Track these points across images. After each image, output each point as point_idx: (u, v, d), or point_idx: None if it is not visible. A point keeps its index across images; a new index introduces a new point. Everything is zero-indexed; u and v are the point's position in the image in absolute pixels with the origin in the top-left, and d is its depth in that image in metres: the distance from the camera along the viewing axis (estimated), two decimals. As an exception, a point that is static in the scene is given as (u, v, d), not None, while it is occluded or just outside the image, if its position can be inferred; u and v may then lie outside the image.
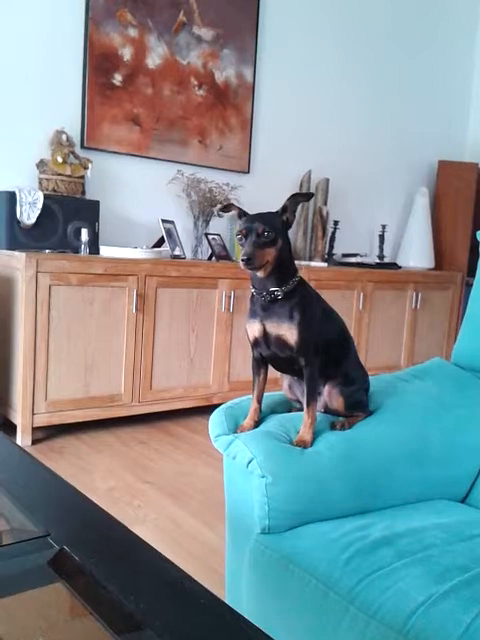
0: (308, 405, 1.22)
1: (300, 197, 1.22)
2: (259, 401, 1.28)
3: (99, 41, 3.21)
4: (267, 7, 3.80)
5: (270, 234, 1.15)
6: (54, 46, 3.10)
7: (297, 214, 3.99)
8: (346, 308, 3.71)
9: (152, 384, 3.05)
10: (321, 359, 1.26)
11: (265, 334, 1.22)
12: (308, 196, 1.23)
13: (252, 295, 1.24)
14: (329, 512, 1.16)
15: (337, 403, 1.29)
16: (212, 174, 3.63)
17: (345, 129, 4.33)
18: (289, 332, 1.20)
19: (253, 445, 1.16)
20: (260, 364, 1.29)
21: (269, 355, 1.26)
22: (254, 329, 1.24)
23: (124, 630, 0.63)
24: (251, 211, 1.23)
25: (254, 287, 1.23)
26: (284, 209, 1.20)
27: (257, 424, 1.26)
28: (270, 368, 1.30)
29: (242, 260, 1.13)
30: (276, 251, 1.17)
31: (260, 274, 1.19)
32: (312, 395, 1.23)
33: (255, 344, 1.26)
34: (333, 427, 1.28)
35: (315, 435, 1.23)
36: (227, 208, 1.27)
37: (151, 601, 0.66)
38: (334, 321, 1.32)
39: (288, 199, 1.20)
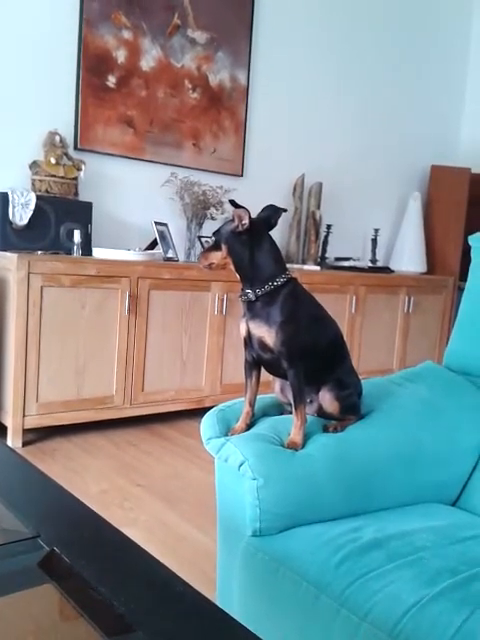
0: (296, 408, 1.23)
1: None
2: (251, 405, 1.28)
3: (93, 43, 3.21)
4: (261, 10, 3.81)
5: (211, 241, 1.30)
6: (48, 47, 3.10)
7: (289, 217, 4.00)
8: (339, 312, 3.72)
9: (144, 386, 3.04)
10: (314, 364, 1.26)
11: (249, 335, 1.26)
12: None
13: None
14: (320, 514, 1.16)
15: (332, 407, 1.29)
16: (206, 177, 3.63)
17: (339, 133, 4.35)
18: (268, 334, 1.22)
19: (244, 447, 1.16)
20: (252, 367, 1.30)
21: (257, 357, 1.27)
22: (242, 329, 1.28)
23: (114, 632, 0.63)
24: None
25: (242, 288, 1.28)
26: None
27: (249, 427, 1.26)
28: (263, 370, 1.31)
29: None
30: (222, 255, 1.26)
31: (242, 275, 1.27)
32: (299, 397, 1.23)
33: (245, 344, 1.29)
34: (326, 429, 1.28)
35: (306, 437, 1.23)
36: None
37: (141, 603, 0.66)
38: (327, 327, 1.33)
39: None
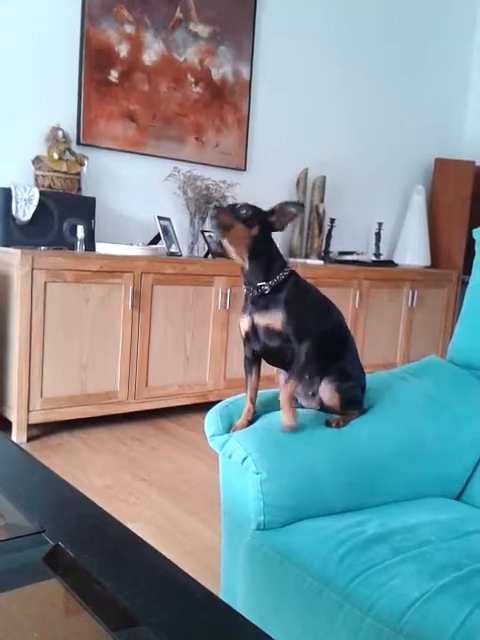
0: (290, 378, 1.22)
1: (289, 205, 1.24)
2: (252, 401, 1.28)
3: (95, 37, 3.20)
4: (264, 4, 3.79)
5: (246, 212, 1.21)
6: (50, 42, 3.09)
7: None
8: (342, 306, 3.67)
9: (148, 381, 3.05)
10: (316, 353, 1.26)
11: (254, 327, 1.25)
12: (297, 205, 1.26)
13: (245, 291, 1.28)
14: (324, 508, 1.17)
15: (333, 400, 1.29)
16: (208, 171, 3.63)
17: (342, 127, 4.33)
18: (274, 318, 1.22)
19: (247, 442, 1.16)
20: (252, 363, 1.30)
21: (260, 349, 1.27)
22: (244, 323, 1.27)
23: (119, 626, 0.63)
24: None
25: (244, 283, 1.27)
26: (273, 211, 1.24)
27: (251, 423, 1.26)
28: (263, 365, 1.31)
29: (211, 210, 1.25)
30: (246, 230, 1.21)
31: (228, 247, 1.24)
32: (299, 372, 1.22)
33: (246, 339, 1.28)
34: (328, 425, 1.27)
35: (310, 430, 1.22)
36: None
37: (146, 597, 0.66)
38: (331, 314, 1.32)
39: (278, 204, 1.24)
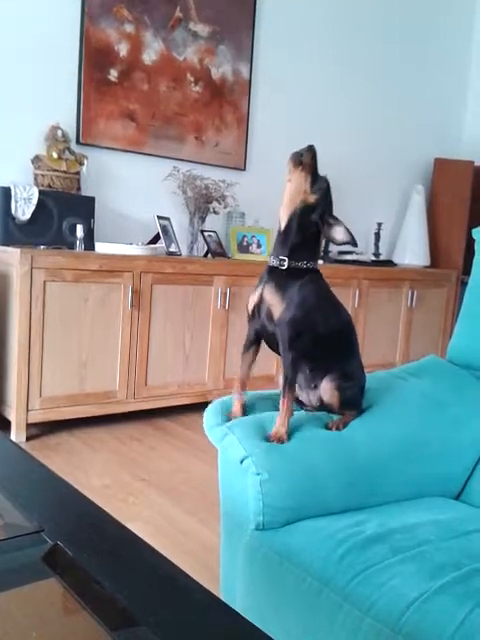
0: (283, 395, 1.22)
1: (347, 235, 1.27)
2: (242, 382, 1.29)
3: (95, 36, 3.20)
4: (264, 3, 3.79)
5: (323, 182, 1.23)
6: (50, 41, 3.09)
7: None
8: (341, 305, 3.70)
9: (147, 381, 3.04)
10: (320, 352, 1.25)
11: (261, 302, 1.24)
12: (350, 238, 1.27)
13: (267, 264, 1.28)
14: (324, 508, 1.16)
15: (333, 400, 1.28)
16: (208, 171, 3.62)
17: (341, 127, 4.33)
18: (278, 304, 1.21)
19: (247, 442, 1.16)
20: (252, 342, 1.30)
21: (260, 329, 1.27)
22: (255, 296, 1.26)
23: (118, 626, 0.63)
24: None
25: (272, 253, 1.27)
26: (336, 218, 1.26)
27: (244, 408, 1.28)
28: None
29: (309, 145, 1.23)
30: (307, 186, 1.22)
31: (287, 187, 1.23)
32: (287, 386, 1.22)
33: (251, 317, 1.28)
34: (327, 428, 1.27)
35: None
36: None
37: (145, 597, 0.66)
38: (339, 313, 1.32)
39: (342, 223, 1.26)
